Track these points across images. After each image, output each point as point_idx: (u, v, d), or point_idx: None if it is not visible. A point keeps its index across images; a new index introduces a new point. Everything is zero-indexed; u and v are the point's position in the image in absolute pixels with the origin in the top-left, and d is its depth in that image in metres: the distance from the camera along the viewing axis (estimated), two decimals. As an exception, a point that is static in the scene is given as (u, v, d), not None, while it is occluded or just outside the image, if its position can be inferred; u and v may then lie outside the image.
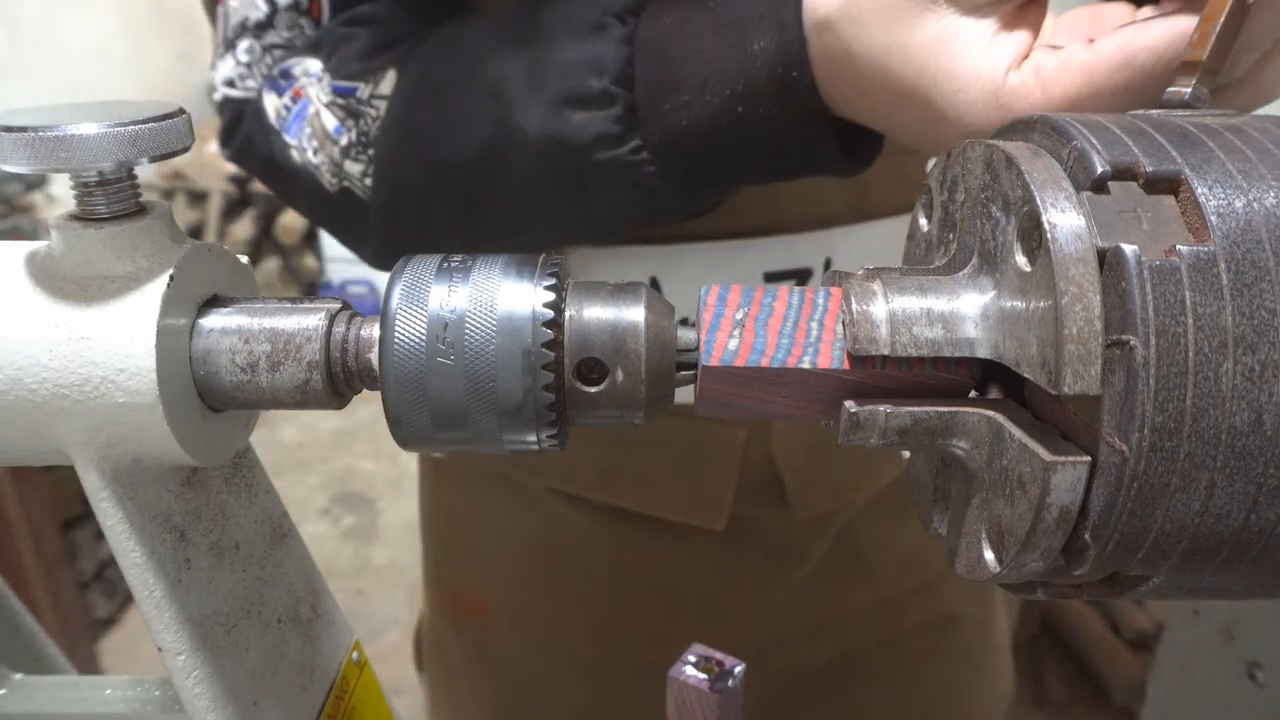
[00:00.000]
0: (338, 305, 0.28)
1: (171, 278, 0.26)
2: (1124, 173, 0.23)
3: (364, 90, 0.49)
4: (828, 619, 0.71)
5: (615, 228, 0.49)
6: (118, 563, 0.27)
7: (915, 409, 0.25)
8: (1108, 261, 0.22)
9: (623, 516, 0.66)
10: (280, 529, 0.34)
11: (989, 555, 0.26)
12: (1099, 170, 0.23)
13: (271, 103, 0.53)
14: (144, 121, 0.25)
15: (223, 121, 0.57)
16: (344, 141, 0.50)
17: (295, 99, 0.52)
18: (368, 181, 0.50)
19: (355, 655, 0.37)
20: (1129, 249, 0.22)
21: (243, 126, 0.55)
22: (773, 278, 0.56)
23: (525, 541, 0.70)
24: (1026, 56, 0.34)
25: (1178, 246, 0.22)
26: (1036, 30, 0.34)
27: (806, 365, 0.26)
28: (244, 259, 0.31)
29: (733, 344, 0.26)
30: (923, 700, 0.76)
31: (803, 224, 0.56)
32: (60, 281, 0.26)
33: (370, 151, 0.49)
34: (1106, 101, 0.32)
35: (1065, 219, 0.23)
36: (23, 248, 0.27)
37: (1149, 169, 0.23)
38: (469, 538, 0.73)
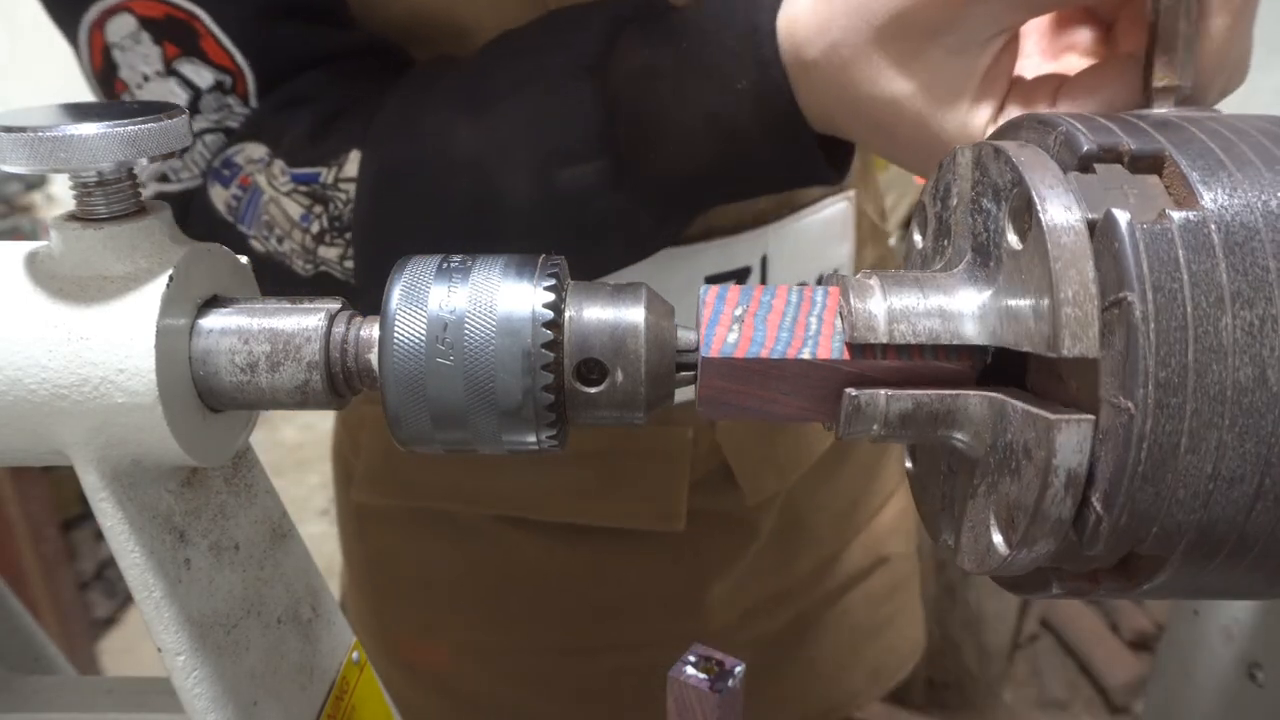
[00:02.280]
0: (337, 305, 0.28)
1: (171, 278, 0.26)
2: (1109, 152, 0.24)
3: (327, 175, 0.47)
4: (781, 587, 0.73)
5: (602, 270, 0.48)
6: (117, 563, 0.27)
7: (916, 392, 0.25)
8: (1099, 228, 0.22)
9: (575, 532, 0.66)
10: (280, 529, 0.34)
11: (997, 539, 0.25)
12: (1084, 149, 0.24)
13: (219, 195, 0.49)
14: (143, 122, 0.25)
15: None
16: (314, 229, 0.47)
17: (244, 187, 0.48)
18: (347, 264, 0.48)
19: (355, 655, 0.37)
20: (1120, 213, 0.22)
21: (190, 219, 0.50)
22: (713, 279, 0.57)
23: (474, 574, 0.69)
24: (1003, 106, 0.34)
25: (1168, 211, 0.22)
26: (1011, 70, 0.35)
27: (806, 356, 0.26)
28: (243, 259, 0.31)
29: (732, 337, 0.26)
30: (864, 641, 0.80)
31: (738, 226, 0.57)
32: (60, 282, 0.26)
33: (347, 235, 0.47)
34: None
35: (1054, 194, 0.23)
36: (22, 248, 0.27)
37: (1133, 148, 0.24)
38: (411, 581, 0.72)
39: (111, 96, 0.50)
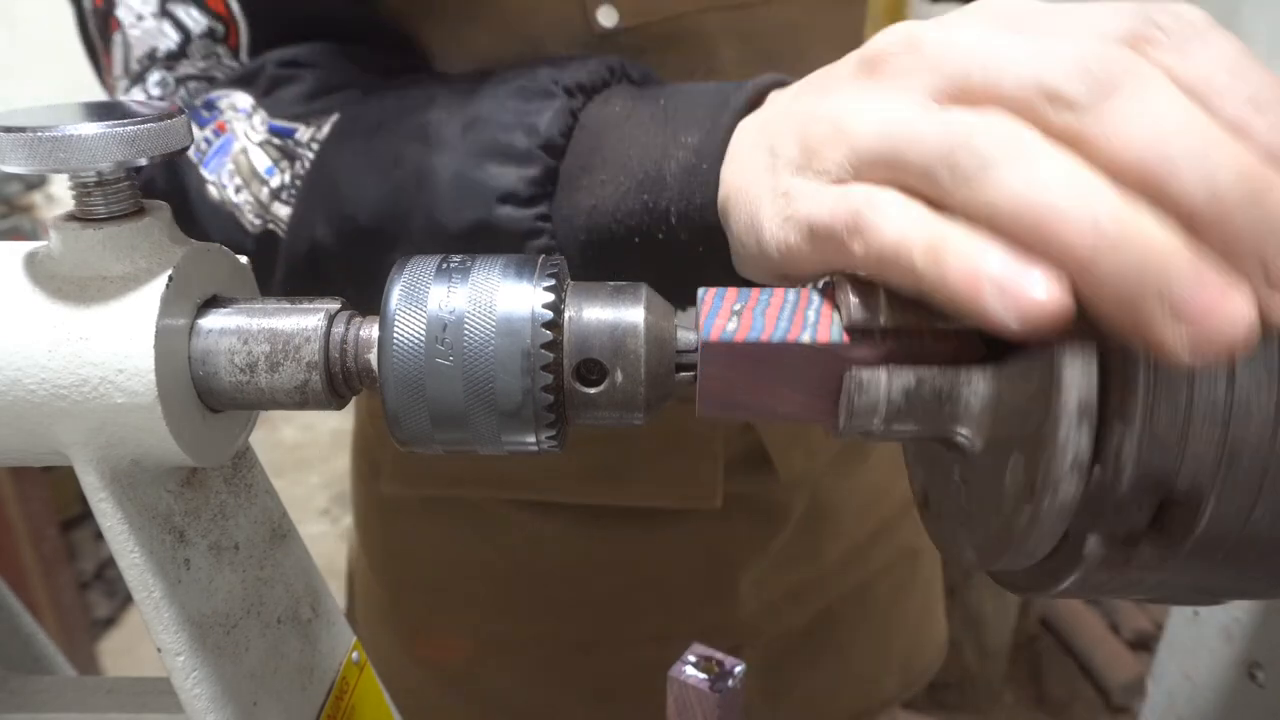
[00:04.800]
0: (337, 305, 0.28)
1: (170, 278, 0.26)
2: None
3: (303, 133, 0.47)
4: (808, 577, 0.72)
5: None
6: (117, 563, 0.27)
7: (918, 368, 0.25)
8: None
9: (604, 515, 0.65)
10: (280, 529, 0.34)
11: (1025, 509, 0.24)
12: None
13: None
14: (142, 122, 0.25)
15: None
16: (275, 183, 0.47)
17: (218, 132, 0.48)
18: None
19: (355, 655, 0.37)
20: None
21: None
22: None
23: (497, 565, 0.68)
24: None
25: None
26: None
27: (806, 340, 0.26)
28: (243, 259, 0.31)
29: (731, 325, 0.26)
30: (896, 636, 0.79)
31: None
32: (59, 282, 0.26)
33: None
34: None
35: None
36: (22, 248, 0.27)
37: None
38: (431, 573, 0.71)
39: (106, 36, 0.50)
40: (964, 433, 0.26)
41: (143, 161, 0.25)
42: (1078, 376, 0.22)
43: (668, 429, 0.62)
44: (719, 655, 0.36)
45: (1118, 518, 0.23)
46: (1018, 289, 0.21)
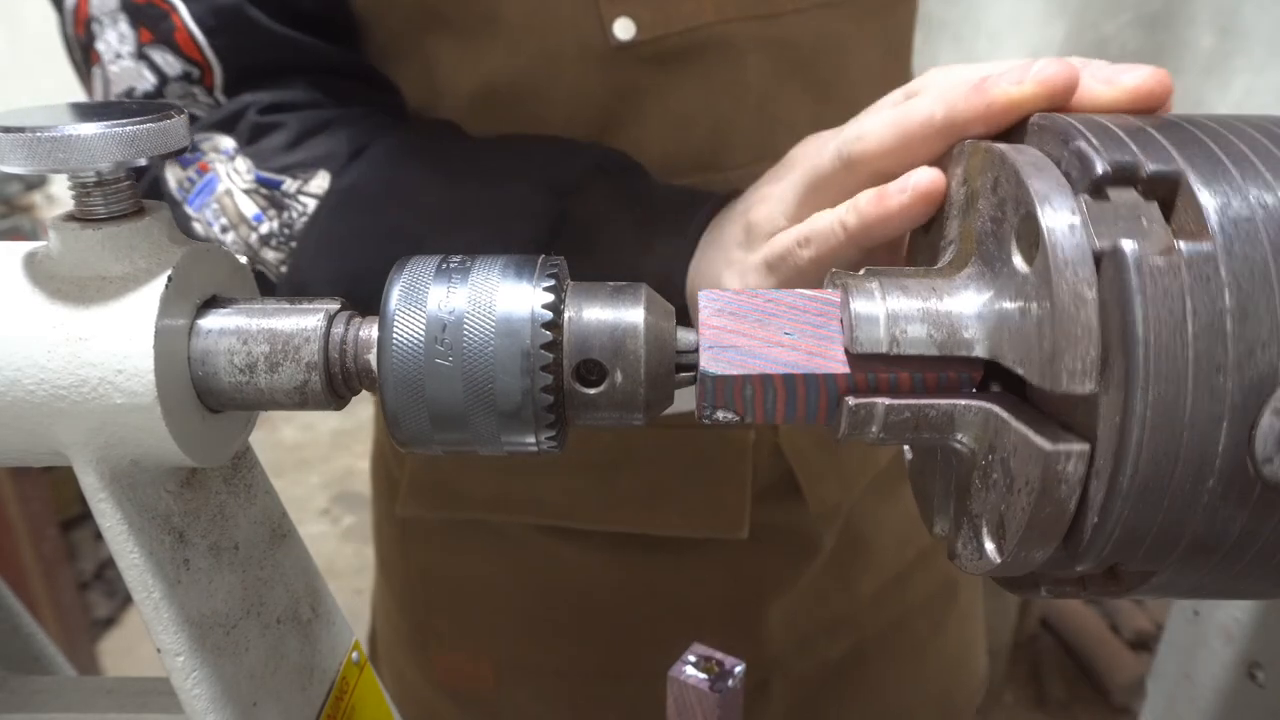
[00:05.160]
0: (336, 306, 0.28)
1: (170, 278, 0.26)
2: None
3: (290, 185, 0.49)
4: (841, 610, 0.70)
5: None
6: (116, 563, 0.27)
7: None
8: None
9: (629, 542, 0.65)
10: (280, 529, 0.34)
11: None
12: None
13: (174, 174, 0.50)
14: (142, 121, 0.25)
15: None
16: (264, 230, 0.49)
17: (201, 172, 0.50)
18: (283, 270, 0.49)
19: (355, 655, 0.37)
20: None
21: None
22: None
23: (521, 590, 0.68)
24: None
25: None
26: None
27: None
28: (243, 259, 0.31)
29: (725, 414, 0.26)
30: (934, 671, 0.76)
31: None
32: (58, 282, 0.26)
33: (293, 244, 0.49)
34: None
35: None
36: (21, 248, 0.27)
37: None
38: (456, 599, 0.70)
39: (87, 64, 0.52)
40: (960, 441, 0.26)
41: (142, 161, 0.25)
42: (1064, 482, 0.23)
43: (696, 457, 0.62)
44: (719, 655, 0.36)
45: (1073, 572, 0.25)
46: (916, 181, 0.31)
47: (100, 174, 0.26)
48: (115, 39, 0.50)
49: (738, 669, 0.36)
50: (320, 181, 0.49)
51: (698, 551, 0.65)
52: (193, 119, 0.51)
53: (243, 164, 0.49)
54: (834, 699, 0.72)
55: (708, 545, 0.65)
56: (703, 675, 0.35)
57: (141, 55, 0.50)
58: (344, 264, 0.47)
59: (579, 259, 0.42)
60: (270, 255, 0.49)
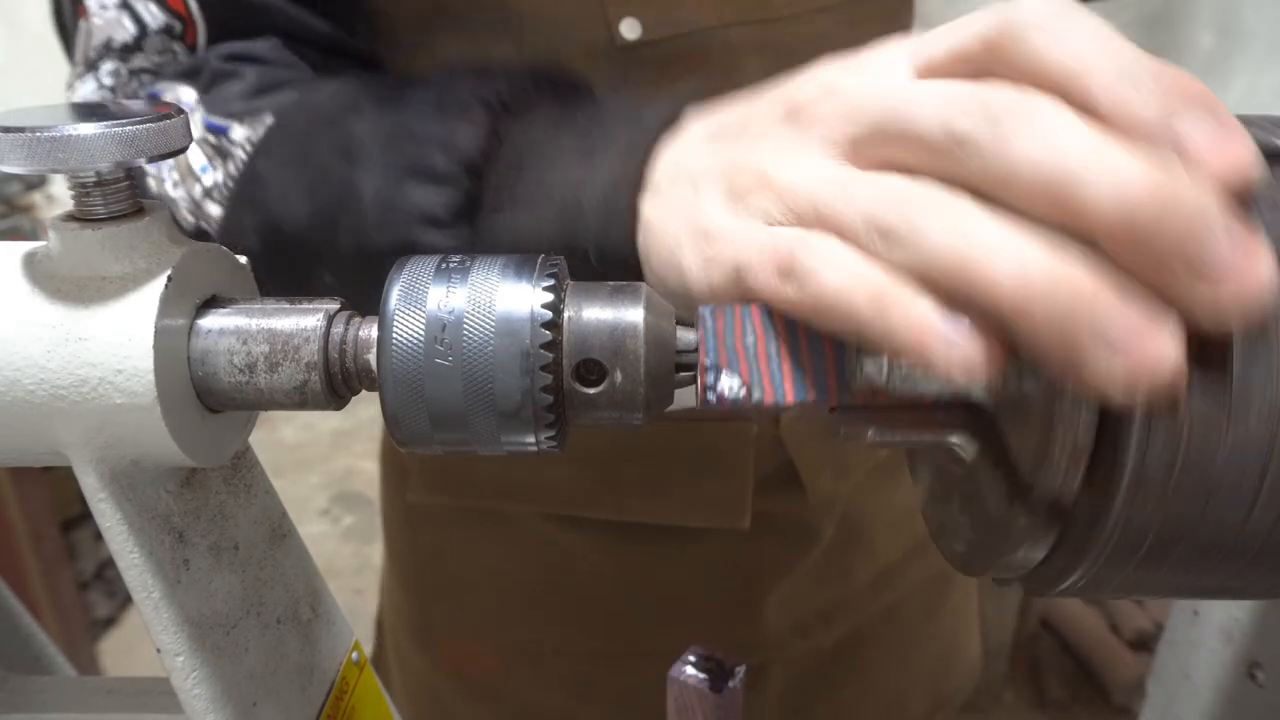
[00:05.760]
0: (336, 306, 0.28)
1: (170, 278, 0.26)
2: None
3: (238, 131, 0.46)
4: (838, 597, 0.71)
5: None
6: (116, 564, 0.27)
7: (904, 436, 0.26)
8: None
9: (633, 531, 0.65)
10: (280, 529, 0.34)
11: (963, 552, 0.26)
12: None
13: None
14: (141, 122, 0.25)
15: None
16: (208, 181, 0.46)
17: None
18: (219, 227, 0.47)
19: (355, 655, 0.37)
20: None
21: None
22: None
23: (525, 574, 0.68)
24: None
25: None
26: None
27: (800, 399, 0.26)
28: (243, 259, 0.31)
29: (730, 381, 0.26)
30: (926, 656, 0.77)
31: None
32: (58, 282, 0.26)
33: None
34: None
35: None
36: (21, 248, 0.27)
37: None
38: (461, 582, 0.71)
39: (75, 17, 0.50)
40: (957, 441, 0.26)
41: (142, 161, 0.25)
42: (1035, 546, 0.24)
43: (700, 448, 0.62)
44: (719, 655, 0.36)
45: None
46: (967, 342, 0.22)
47: (100, 174, 0.26)
48: None
49: (738, 669, 0.36)
50: (263, 125, 0.46)
51: (699, 540, 0.65)
52: (159, 74, 0.49)
53: (199, 115, 0.47)
54: (828, 684, 0.73)
55: (709, 534, 0.65)
56: (703, 675, 0.35)
57: (125, 4, 0.49)
58: (265, 214, 0.44)
59: (515, 189, 0.38)
60: (214, 210, 0.46)
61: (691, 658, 0.36)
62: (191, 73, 0.48)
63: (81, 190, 0.26)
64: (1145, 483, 0.22)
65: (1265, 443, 0.22)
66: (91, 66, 0.50)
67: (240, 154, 0.45)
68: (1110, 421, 0.22)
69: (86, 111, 0.26)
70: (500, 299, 0.26)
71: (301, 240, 0.43)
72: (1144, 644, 1.83)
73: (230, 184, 0.45)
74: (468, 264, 0.27)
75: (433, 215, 0.39)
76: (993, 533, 0.25)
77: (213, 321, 0.27)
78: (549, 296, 0.26)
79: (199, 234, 0.47)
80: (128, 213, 0.27)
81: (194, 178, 0.46)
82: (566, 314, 0.26)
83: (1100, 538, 0.23)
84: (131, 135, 0.25)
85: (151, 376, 0.25)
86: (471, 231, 0.39)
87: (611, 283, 0.27)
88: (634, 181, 0.35)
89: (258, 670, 0.31)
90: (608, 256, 0.36)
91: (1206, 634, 0.43)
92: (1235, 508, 0.22)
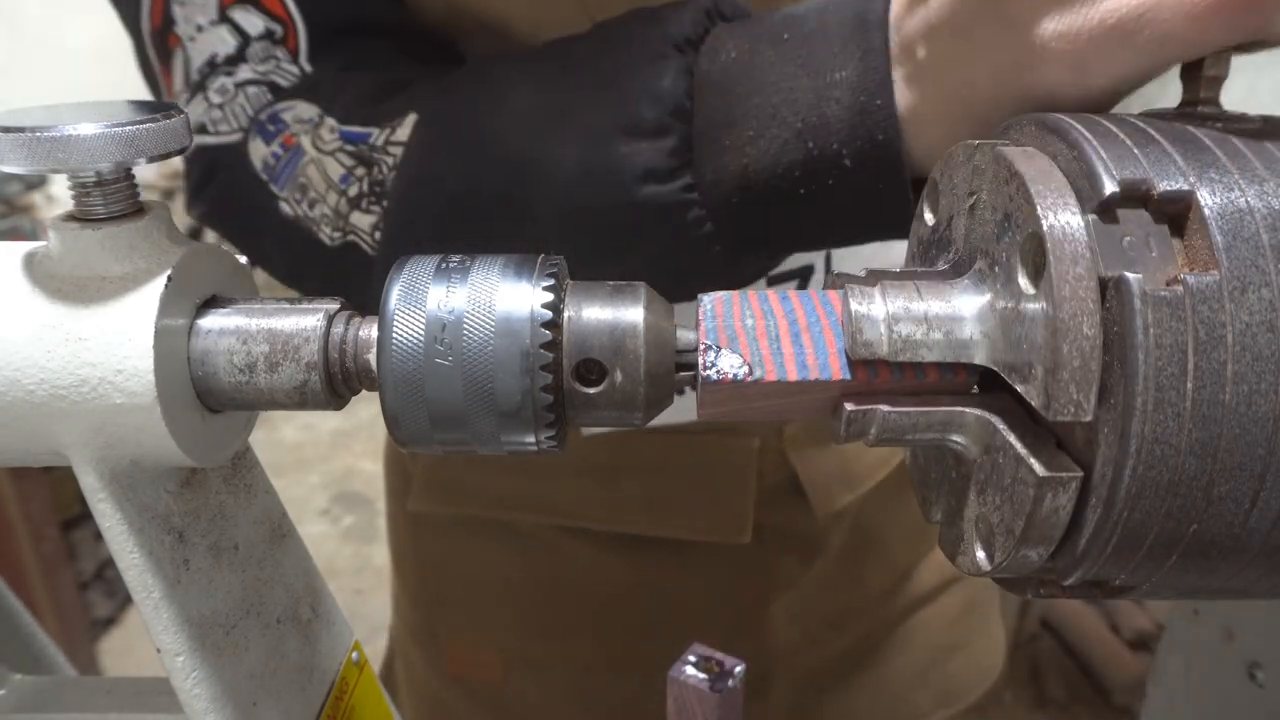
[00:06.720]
0: (336, 305, 0.28)
1: (170, 278, 0.26)
2: (1132, 193, 0.23)
3: (378, 136, 0.44)
4: (849, 605, 0.71)
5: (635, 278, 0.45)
6: (116, 564, 0.27)
7: (913, 409, 0.25)
8: (1110, 289, 0.22)
9: (636, 543, 0.65)
10: (280, 529, 0.34)
11: (980, 554, 0.26)
12: (1107, 192, 0.23)
13: (258, 150, 0.47)
14: (142, 122, 0.25)
15: (193, 174, 0.50)
16: (352, 192, 0.45)
17: (286, 146, 0.46)
18: (378, 235, 0.45)
19: (355, 655, 0.37)
20: (1133, 279, 0.22)
21: (219, 178, 0.48)
22: (775, 280, 0.56)
23: (530, 584, 0.68)
24: None
25: (1183, 275, 0.22)
26: None
27: (803, 378, 0.26)
28: (243, 259, 0.31)
29: (731, 360, 0.26)
30: (935, 663, 0.77)
31: None
32: (58, 282, 0.26)
33: (385, 203, 0.45)
34: None
35: (1069, 250, 0.22)
36: (21, 248, 0.27)
37: (1158, 190, 0.23)
38: (465, 590, 0.71)
39: (166, 55, 0.49)
40: (957, 441, 0.26)
41: (141, 162, 0.25)
42: (1054, 508, 0.23)
43: (701, 463, 0.62)
44: (719, 655, 0.36)
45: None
46: None
47: (100, 174, 0.26)
48: (196, 12, 0.47)
49: (738, 669, 0.36)
50: (408, 126, 0.44)
51: (703, 551, 0.65)
52: (275, 89, 0.48)
53: (327, 126, 0.46)
54: (836, 687, 0.72)
55: (712, 546, 0.65)
56: (703, 675, 0.35)
57: (223, 17, 0.47)
58: (442, 199, 0.42)
59: (733, 121, 0.37)
60: (361, 220, 0.45)
61: (691, 658, 0.36)
62: (310, 88, 0.47)
63: (81, 190, 0.26)
64: (1125, 537, 0.22)
65: (1266, 444, 0.22)
66: (197, 89, 0.49)
67: (385, 159, 0.44)
68: (1107, 449, 0.22)
69: (87, 111, 0.26)
70: (500, 299, 0.26)
71: (480, 220, 0.42)
72: (1144, 644, 1.83)
73: (378, 189, 0.44)
74: (467, 264, 0.27)
75: (651, 169, 0.38)
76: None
77: (213, 321, 0.27)
78: (549, 296, 0.26)
79: (345, 248, 0.46)
80: (128, 213, 0.27)
81: (336, 190, 0.46)
82: (566, 314, 0.26)
83: (1089, 558, 0.23)
84: (131, 135, 0.25)
85: (151, 376, 0.25)
86: (693, 174, 0.38)
87: (611, 283, 0.27)
88: (883, 79, 0.34)
89: (258, 670, 0.31)
90: (869, 162, 0.35)
91: (1206, 634, 0.43)
92: (1236, 506, 0.22)
